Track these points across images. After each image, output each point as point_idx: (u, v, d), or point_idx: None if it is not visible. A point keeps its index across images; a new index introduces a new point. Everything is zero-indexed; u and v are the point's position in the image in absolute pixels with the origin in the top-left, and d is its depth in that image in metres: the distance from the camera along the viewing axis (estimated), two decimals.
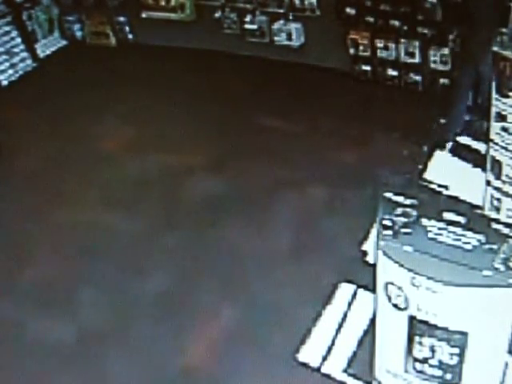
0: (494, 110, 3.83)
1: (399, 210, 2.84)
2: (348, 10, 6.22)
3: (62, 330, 4.33)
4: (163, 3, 7.24)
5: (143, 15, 7.43)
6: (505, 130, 3.82)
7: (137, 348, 4.19)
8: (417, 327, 2.91)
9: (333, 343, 4.08)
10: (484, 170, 4.21)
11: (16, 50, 7.45)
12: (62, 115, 6.54)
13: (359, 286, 4.34)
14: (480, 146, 4.89)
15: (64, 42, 8.03)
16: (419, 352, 2.97)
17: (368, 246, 4.54)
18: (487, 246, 2.66)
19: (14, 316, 4.47)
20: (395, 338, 3.03)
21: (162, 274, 4.70)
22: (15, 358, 4.19)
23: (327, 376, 3.90)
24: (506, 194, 4.01)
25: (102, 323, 4.37)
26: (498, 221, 2.82)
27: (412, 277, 2.77)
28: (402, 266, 2.78)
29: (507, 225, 2.72)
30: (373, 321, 3.18)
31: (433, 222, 2.77)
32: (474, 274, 2.62)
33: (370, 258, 4.35)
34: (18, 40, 7.48)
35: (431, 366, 2.99)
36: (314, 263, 4.59)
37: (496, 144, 3.90)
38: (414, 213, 2.82)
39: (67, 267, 4.83)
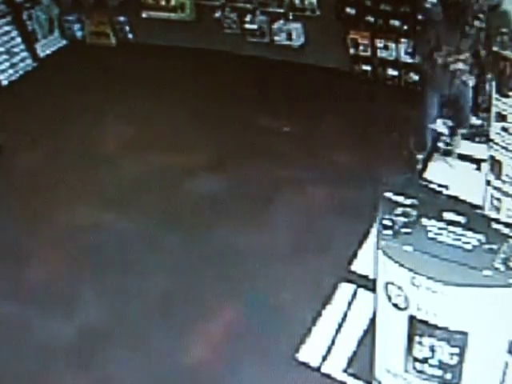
0: (494, 110, 3.83)
1: (399, 210, 2.84)
2: (348, 10, 6.22)
3: (63, 329, 4.33)
4: (163, 3, 7.25)
5: (143, 15, 7.43)
6: (505, 130, 3.82)
7: (138, 347, 4.19)
8: (417, 327, 2.91)
9: (333, 343, 4.08)
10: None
11: (16, 49, 7.45)
12: (62, 115, 6.54)
13: (359, 286, 4.34)
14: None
15: (64, 42, 8.03)
16: (419, 352, 2.98)
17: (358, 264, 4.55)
18: (487, 246, 2.67)
19: (15, 316, 4.48)
20: (395, 337, 3.03)
21: (163, 273, 4.70)
22: (17, 356, 4.20)
23: (327, 376, 3.91)
24: (506, 194, 4.01)
25: (103, 323, 4.38)
26: (498, 221, 2.82)
27: (412, 277, 2.77)
28: (402, 265, 2.79)
29: (507, 225, 2.72)
30: (373, 321, 3.18)
31: (433, 222, 2.77)
32: (474, 274, 2.63)
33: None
34: (18, 40, 7.48)
35: (431, 365, 2.99)
36: (314, 263, 4.59)
37: (496, 144, 3.90)
38: (414, 213, 2.82)
39: (68, 267, 4.83)
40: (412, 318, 2.90)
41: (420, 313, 2.86)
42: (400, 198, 2.87)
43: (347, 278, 4.44)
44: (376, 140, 5.69)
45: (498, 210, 4.12)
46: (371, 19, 6.14)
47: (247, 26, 6.87)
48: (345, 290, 4.38)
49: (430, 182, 5.08)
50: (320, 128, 5.97)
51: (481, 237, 2.69)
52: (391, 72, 6.34)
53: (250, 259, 4.72)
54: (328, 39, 6.50)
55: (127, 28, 7.76)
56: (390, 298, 2.93)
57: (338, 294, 4.37)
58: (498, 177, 4.01)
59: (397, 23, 6.02)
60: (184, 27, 7.23)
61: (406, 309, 2.89)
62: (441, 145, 5.44)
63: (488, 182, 4.11)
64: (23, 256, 4.97)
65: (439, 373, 2.99)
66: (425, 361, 2.99)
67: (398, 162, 5.33)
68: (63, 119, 6.50)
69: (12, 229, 5.23)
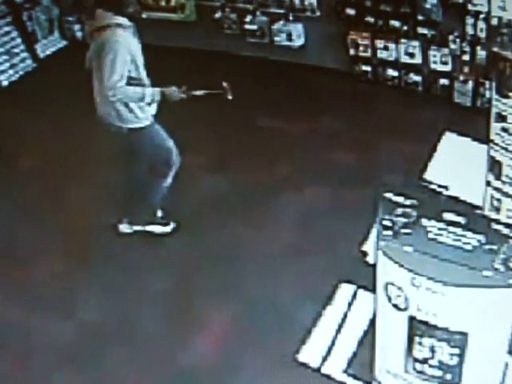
0: (494, 110, 3.83)
1: (399, 211, 2.84)
2: (348, 10, 6.22)
3: (63, 330, 4.33)
4: (163, 3, 7.24)
5: (143, 15, 7.42)
6: (505, 130, 3.81)
7: (138, 347, 4.20)
8: (417, 327, 2.91)
9: (333, 343, 4.08)
10: None
11: (16, 50, 7.45)
12: (62, 115, 6.54)
13: (359, 286, 4.34)
14: None
15: (64, 42, 8.03)
16: (419, 352, 2.98)
17: (368, 246, 4.54)
18: (487, 247, 2.67)
19: (15, 316, 4.48)
20: (395, 338, 3.03)
21: (162, 273, 4.70)
22: (17, 357, 4.20)
23: (327, 376, 3.91)
24: (506, 195, 4.01)
25: (103, 323, 4.38)
26: (498, 221, 2.82)
27: (412, 277, 2.77)
28: (401, 266, 2.79)
29: (507, 225, 2.72)
30: (373, 321, 3.18)
31: (433, 223, 2.77)
32: (474, 275, 2.63)
33: (369, 259, 4.36)
34: (18, 40, 7.47)
35: (431, 366, 2.99)
36: (314, 263, 4.59)
37: (496, 145, 3.90)
38: (414, 213, 2.82)
39: (68, 267, 4.83)
40: (412, 319, 2.90)
41: (420, 313, 2.86)
42: (400, 199, 2.87)
43: (347, 278, 4.44)
44: (376, 140, 5.70)
45: (497, 210, 4.11)
46: (371, 19, 6.14)
47: (247, 26, 6.87)
48: (345, 290, 4.39)
49: (430, 183, 5.08)
50: (320, 128, 5.98)
51: (481, 237, 2.69)
52: (391, 72, 6.34)
53: (250, 259, 4.72)
54: (328, 39, 6.50)
55: None
56: (390, 299, 2.93)
57: (338, 294, 4.37)
58: (498, 177, 4.00)
59: (397, 23, 6.02)
60: (184, 28, 7.23)
61: (405, 309, 2.90)
62: None
63: (488, 183, 4.11)
64: (23, 256, 4.97)
65: (439, 373, 2.99)
66: (425, 361, 2.99)
67: (398, 162, 5.34)
68: (63, 119, 6.49)
69: (12, 229, 5.23)
